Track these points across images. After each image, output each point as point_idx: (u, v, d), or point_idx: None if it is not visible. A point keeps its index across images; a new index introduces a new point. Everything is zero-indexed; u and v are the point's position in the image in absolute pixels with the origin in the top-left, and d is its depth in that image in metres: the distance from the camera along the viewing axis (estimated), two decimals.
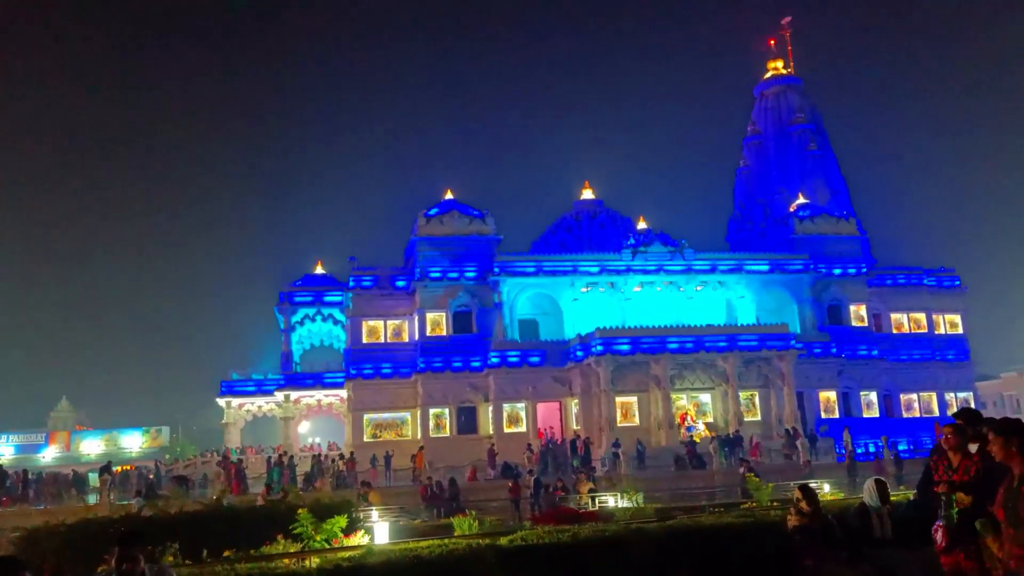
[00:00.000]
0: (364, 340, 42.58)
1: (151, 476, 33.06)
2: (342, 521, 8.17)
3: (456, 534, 9.30)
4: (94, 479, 41.96)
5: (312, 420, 54.24)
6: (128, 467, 55.36)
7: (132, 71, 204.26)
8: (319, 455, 36.13)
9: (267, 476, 30.70)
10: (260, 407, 46.82)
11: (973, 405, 48.98)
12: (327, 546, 7.76)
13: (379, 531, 9.74)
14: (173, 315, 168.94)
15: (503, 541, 7.00)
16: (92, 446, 71.62)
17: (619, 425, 38.15)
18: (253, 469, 40.41)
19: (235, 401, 46.30)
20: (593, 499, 18.86)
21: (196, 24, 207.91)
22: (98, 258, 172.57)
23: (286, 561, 6.52)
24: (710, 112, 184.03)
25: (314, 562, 6.32)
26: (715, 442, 32.07)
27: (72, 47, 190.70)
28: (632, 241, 43.82)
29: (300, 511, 8.08)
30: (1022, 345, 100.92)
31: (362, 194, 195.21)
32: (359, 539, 8.49)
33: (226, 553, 7.93)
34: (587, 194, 54.16)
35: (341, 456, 35.30)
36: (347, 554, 6.69)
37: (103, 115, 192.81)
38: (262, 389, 46.12)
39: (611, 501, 18.53)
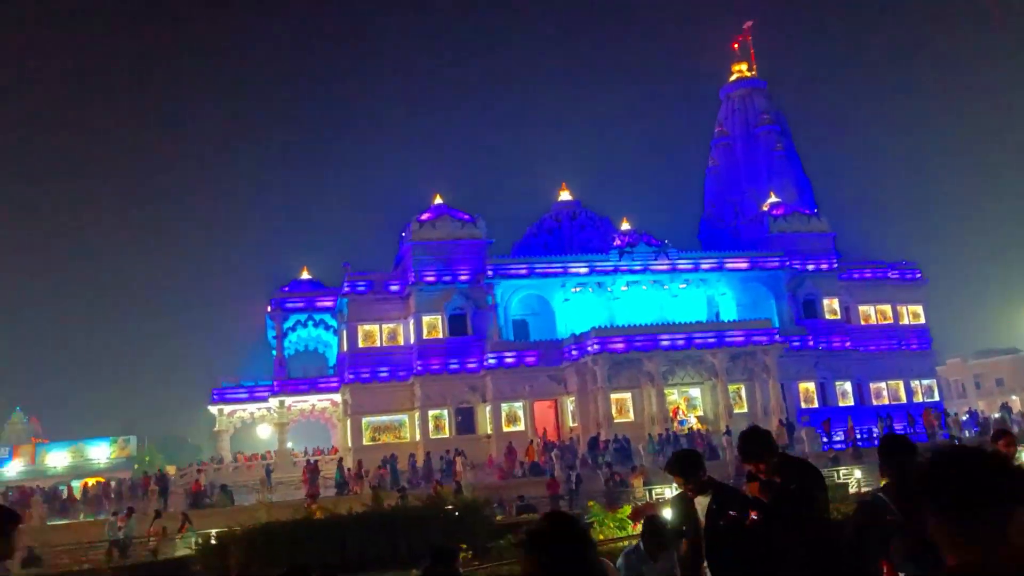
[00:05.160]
0: (360, 344, 43.06)
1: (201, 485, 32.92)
2: (627, 510, 9.12)
3: None
4: (67, 491, 41.36)
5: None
6: (100, 479, 54.63)
7: (118, 68, 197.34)
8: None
9: (334, 478, 31.74)
10: (252, 414, 46.85)
11: (936, 391, 52.02)
12: (620, 533, 8.73)
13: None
14: (131, 323, 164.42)
15: None
16: (58, 458, 69.80)
17: (615, 421, 39.53)
18: (247, 475, 40.72)
19: (227, 408, 46.23)
20: (649, 491, 19.98)
21: (187, 22, 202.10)
22: (59, 264, 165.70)
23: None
24: (677, 113, 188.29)
25: None
26: (728, 435, 33.58)
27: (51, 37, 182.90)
28: (619, 242, 45.29)
29: (590, 503, 9.02)
30: (963, 332, 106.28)
31: (338, 200, 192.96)
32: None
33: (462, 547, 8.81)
34: (565, 195, 55.28)
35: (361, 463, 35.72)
36: None
37: (84, 112, 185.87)
38: (254, 396, 46.16)
39: (667, 492, 19.65)
